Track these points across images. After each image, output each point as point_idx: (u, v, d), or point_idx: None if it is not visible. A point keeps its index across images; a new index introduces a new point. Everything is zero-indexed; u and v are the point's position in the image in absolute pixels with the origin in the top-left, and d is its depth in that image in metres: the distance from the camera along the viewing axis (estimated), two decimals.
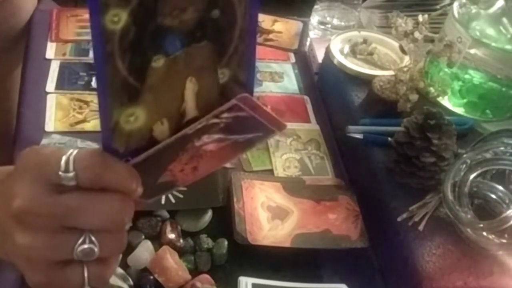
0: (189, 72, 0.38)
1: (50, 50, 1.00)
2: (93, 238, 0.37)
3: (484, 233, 0.67)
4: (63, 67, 0.97)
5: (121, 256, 0.43)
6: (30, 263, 0.38)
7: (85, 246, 0.37)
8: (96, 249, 0.37)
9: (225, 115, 0.40)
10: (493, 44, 0.81)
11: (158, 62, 0.36)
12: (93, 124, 0.87)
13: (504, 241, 0.66)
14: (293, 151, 0.89)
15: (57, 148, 0.38)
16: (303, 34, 1.13)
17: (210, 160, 0.44)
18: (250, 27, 0.39)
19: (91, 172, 0.36)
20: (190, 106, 0.39)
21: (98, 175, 0.37)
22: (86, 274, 0.38)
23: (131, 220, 0.39)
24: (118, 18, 0.32)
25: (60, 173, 0.36)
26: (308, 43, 1.11)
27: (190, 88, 0.39)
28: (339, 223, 0.77)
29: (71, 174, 0.36)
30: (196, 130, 0.40)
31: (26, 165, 0.38)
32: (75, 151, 0.37)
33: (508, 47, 0.82)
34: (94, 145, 0.82)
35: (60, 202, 0.36)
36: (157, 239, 0.73)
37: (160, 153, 0.39)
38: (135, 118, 0.37)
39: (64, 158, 0.36)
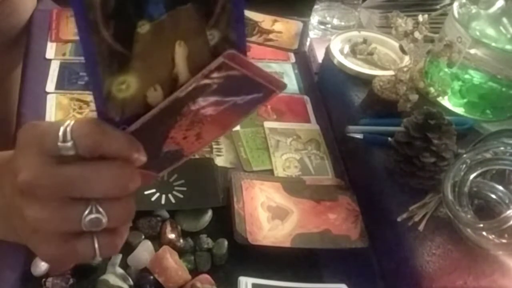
0: (177, 35, 0.38)
1: (50, 50, 1.00)
2: (100, 208, 0.37)
3: (484, 233, 0.67)
4: (63, 67, 0.97)
5: (129, 227, 0.43)
6: (40, 236, 0.38)
7: (92, 216, 0.37)
8: (103, 219, 0.38)
9: (215, 74, 0.39)
10: (493, 44, 0.81)
11: (144, 27, 0.35)
12: None
13: (504, 241, 0.66)
14: (293, 151, 0.89)
15: (55, 121, 0.38)
16: (303, 34, 1.13)
17: (213, 126, 0.43)
18: None
19: (89, 140, 0.37)
20: (182, 70, 0.39)
21: (96, 142, 0.37)
22: (96, 245, 0.39)
23: (137, 187, 0.39)
24: None
25: (58, 143, 0.36)
26: (308, 43, 1.11)
27: (180, 52, 0.38)
28: (339, 223, 0.77)
29: (69, 144, 0.36)
30: (188, 92, 0.39)
31: (26, 139, 0.38)
32: (72, 121, 0.37)
33: (508, 47, 0.82)
34: None
35: (62, 173, 0.37)
36: (157, 239, 0.73)
37: (156, 118, 0.39)
38: (126, 85, 0.37)
39: (62, 129, 0.36)
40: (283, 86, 0.41)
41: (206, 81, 0.39)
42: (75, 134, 0.36)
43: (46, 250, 0.39)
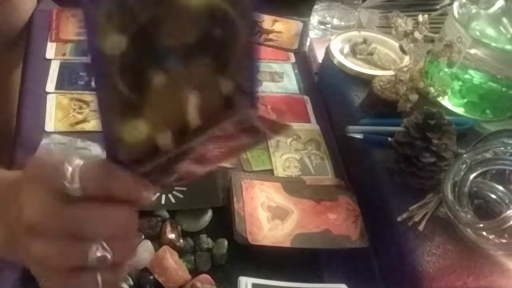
0: (190, 85, 0.38)
1: (50, 50, 1.00)
2: (106, 246, 0.38)
3: (484, 233, 0.67)
4: (63, 67, 0.97)
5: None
6: (44, 270, 0.39)
7: (99, 254, 0.38)
8: (109, 256, 0.38)
9: (228, 127, 0.41)
10: (493, 44, 0.81)
11: (159, 78, 0.36)
12: (93, 124, 0.87)
13: (504, 241, 0.66)
14: (293, 151, 0.89)
15: (64, 158, 0.38)
16: (303, 34, 1.13)
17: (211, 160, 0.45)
18: (252, 38, 0.39)
19: (97, 183, 0.37)
20: (193, 118, 0.40)
21: (104, 186, 0.37)
22: (100, 281, 0.39)
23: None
24: (118, 43, 0.33)
25: (66, 184, 0.36)
26: (308, 43, 1.11)
27: (192, 101, 0.39)
28: (339, 223, 0.77)
29: (77, 185, 0.36)
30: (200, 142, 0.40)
31: (33, 175, 0.38)
32: (81, 162, 0.37)
33: (508, 47, 0.82)
34: (95, 145, 0.82)
35: (68, 213, 0.37)
36: (157, 239, 0.73)
37: (165, 161, 0.40)
38: (138, 131, 0.37)
39: (70, 170, 0.37)
40: (287, 130, 0.44)
41: (220, 132, 0.41)
42: (83, 176, 0.36)
43: (50, 283, 0.39)
